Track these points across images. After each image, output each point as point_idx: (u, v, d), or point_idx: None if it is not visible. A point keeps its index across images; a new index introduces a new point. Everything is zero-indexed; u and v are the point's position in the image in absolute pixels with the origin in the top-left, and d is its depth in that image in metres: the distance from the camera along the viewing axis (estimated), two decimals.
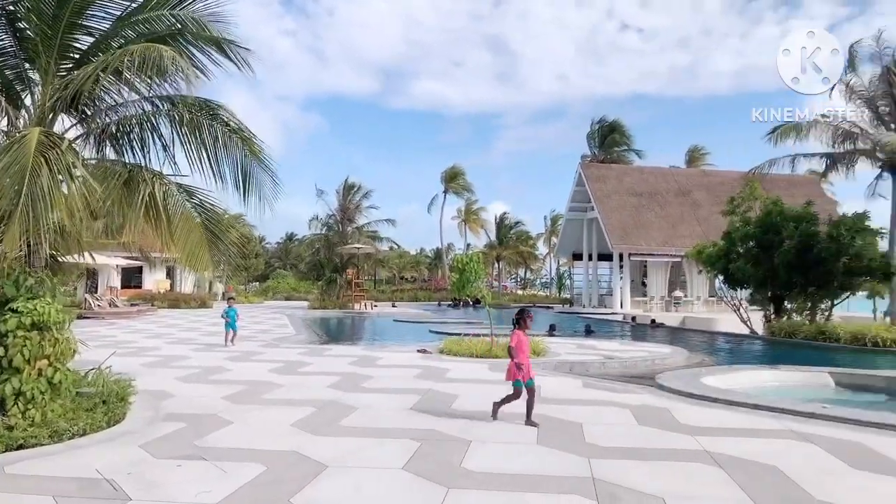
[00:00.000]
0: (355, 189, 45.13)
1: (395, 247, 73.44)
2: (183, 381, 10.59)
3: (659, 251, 39.48)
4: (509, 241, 63.53)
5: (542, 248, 76.29)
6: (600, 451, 6.38)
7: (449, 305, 47.03)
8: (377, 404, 8.72)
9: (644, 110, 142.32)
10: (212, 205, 9.26)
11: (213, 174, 8.89)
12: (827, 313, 22.94)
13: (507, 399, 7.66)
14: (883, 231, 22.25)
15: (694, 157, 58.30)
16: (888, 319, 22.46)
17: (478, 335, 15.90)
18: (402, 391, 9.75)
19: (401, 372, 11.88)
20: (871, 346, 18.87)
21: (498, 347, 14.22)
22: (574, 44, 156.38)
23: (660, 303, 39.93)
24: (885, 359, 17.19)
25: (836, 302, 23.21)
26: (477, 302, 32.80)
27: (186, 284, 45.86)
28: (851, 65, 23.60)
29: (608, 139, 53.49)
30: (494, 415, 7.70)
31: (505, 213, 65.00)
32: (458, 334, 17.48)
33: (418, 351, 15.18)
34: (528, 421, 7.43)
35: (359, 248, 41.74)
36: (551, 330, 22.04)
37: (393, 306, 44.68)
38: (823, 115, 24.24)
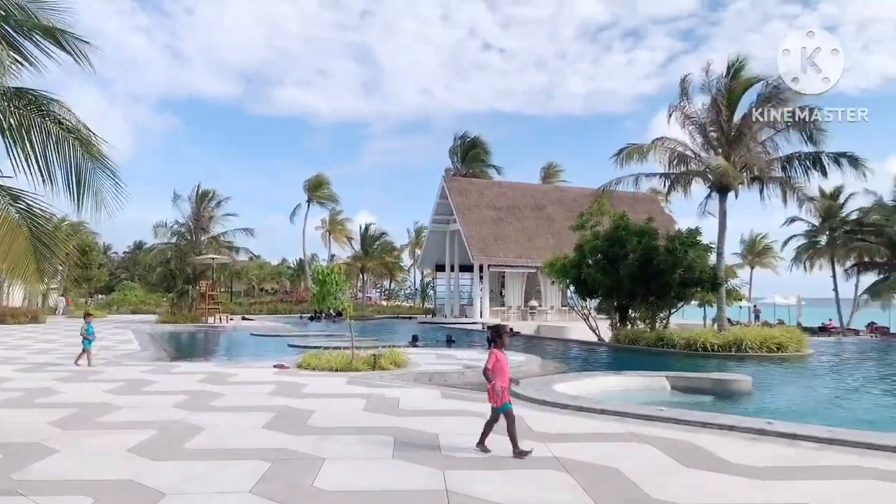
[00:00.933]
0: (210, 196, 42.97)
1: (255, 257, 70.83)
2: (0, 406, 9.47)
3: (516, 263, 41.03)
4: (374, 252, 63.47)
5: (406, 260, 76.79)
6: (456, 462, 6.42)
7: (310, 318, 45.98)
8: (226, 424, 8.26)
9: (503, 127, 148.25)
10: (42, 210, 8.43)
11: (42, 176, 8.10)
12: (665, 321, 24.87)
13: (491, 424, 6.83)
14: (712, 246, 24.50)
15: (549, 173, 61.22)
16: (716, 326, 24.66)
17: (338, 348, 15.60)
18: (254, 409, 9.31)
19: (254, 389, 11.37)
20: (702, 351, 20.70)
21: (359, 360, 14.04)
22: (438, 59, 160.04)
23: (517, 312, 41.45)
24: (712, 362, 18.87)
25: (672, 311, 25.23)
26: (339, 314, 32.31)
27: (14, 298, 41.40)
28: (685, 93, 25.84)
29: (470, 154, 55.01)
30: (483, 446, 6.81)
31: (370, 224, 64.95)
32: (318, 347, 17.07)
33: (275, 366, 14.62)
34: (518, 451, 6.58)
35: (213, 259, 39.74)
36: (414, 340, 22.14)
37: (243, 319, 42.79)
38: (659, 140, 26.32)
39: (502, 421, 6.79)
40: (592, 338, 27.06)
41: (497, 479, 5.87)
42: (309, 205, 63.80)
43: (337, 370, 13.71)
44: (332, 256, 69.79)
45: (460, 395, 10.95)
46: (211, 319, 37.39)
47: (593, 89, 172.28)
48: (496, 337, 7.20)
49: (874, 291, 40.86)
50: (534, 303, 42.61)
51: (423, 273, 65.83)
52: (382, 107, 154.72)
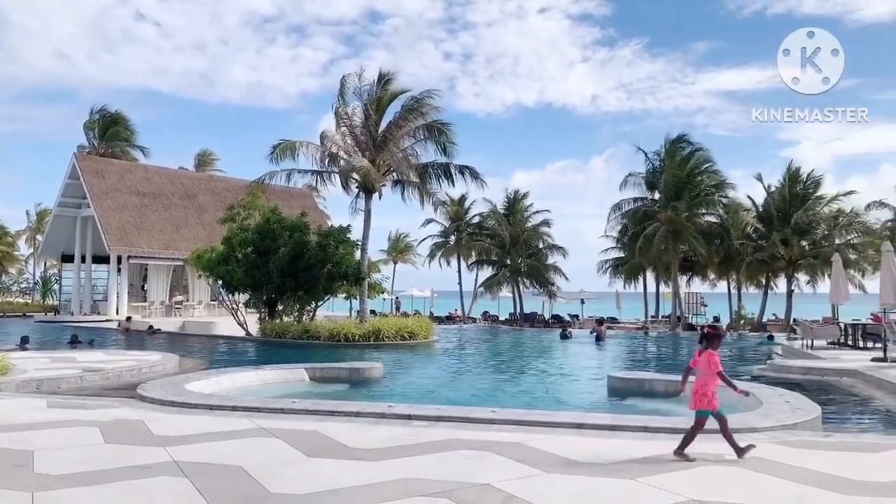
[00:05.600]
0: None
1: None
2: None
3: (161, 254, 37.97)
4: None
5: (23, 248, 65.39)
6: (51, 480, 5.59)
7: None
8: None
9: (157, 107, 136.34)
10: None
11: None
12: (311, 314, 25.55)
13: (694, 433, 6.49)
14: (359, 242, 25.96)
15: (203, 161, 58.12)
16: (359, 318, 26.18)
17: None
18: None
19: None
20: (345, 342, 21.78)
21: None
22: (79, 22, 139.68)
23: (160, 308, 38.44)
24: (354, 352, 20.02)
25: (319, 304, 26.05)
26: None
27: None
28: (342, 96, 26.89)
29: (110, 131, 49.13)
30: (684, 455, 6.41)
31: None
32: None
33: None
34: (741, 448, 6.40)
35: None
36: (23, 343, 18.94)
37: None
38: (321, 138, 27.00)
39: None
40: (241, 333, 26.48)
41: (101, 494, 5.27)
42: None
43: None
44: None
45: (72, 402, 9.65)
46: None
47: (256, 80, 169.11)
48: (713, 338, 6.72)
49: (488, 285, 47.92)
50: (180, 297, 39.99)
51: (45, 264, 56.88)
52: (4, 67, 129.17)
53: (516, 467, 6.08)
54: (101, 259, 39.42)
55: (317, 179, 27.68)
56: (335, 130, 27.44)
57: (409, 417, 8.32)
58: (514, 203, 48.30)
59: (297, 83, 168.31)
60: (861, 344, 19.12)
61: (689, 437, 6.49)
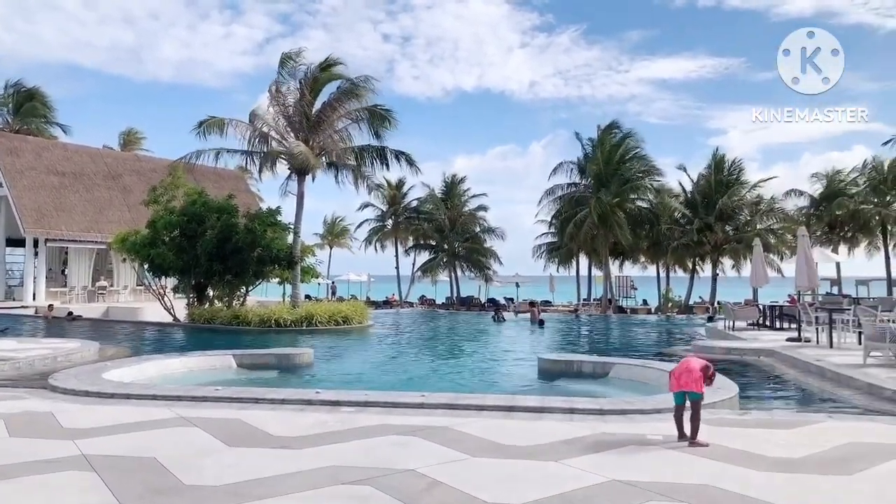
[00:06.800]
0: None
1: None
2: None
3: (83, 237, 36.21)
4: None
5: None
6: None
7: None
8: None
9: (81, 83, 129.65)
10: None
11: None
12: (242, 299, 24.92)
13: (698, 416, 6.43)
14: (291, 225, 25.39)
15: (129, 140, 55.70)
16: (292, 303, 25.68)
17: None
18: None
19: None
20: (276, 327, 21.33)
21: None
22: None
23: (82, 293, 36.73)
24: (285, 337, 19.63)
25: (250, 289, 25.42)
26: None
27: None
28: (281, 76, 26.08)
29: (25, 107, 46.45)
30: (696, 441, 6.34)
31: None
32: None
33: None
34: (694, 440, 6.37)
35: None
36: None
37: None
38: (252, 117, 26.14)
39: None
40: (168, 319, 25.59)
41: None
42: None
43: None
44: None
45: None
46: None
47: (187, 57, 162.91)
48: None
49: (425, 269, 47.93)
50: (104, 283, 38.31)
51: None
52: None
53: (443, 452, 6.04)
54: (16, 242, 37.32)
55: (246, 160, 26.82)
56: (267, 109, 26.66)
57: (337, 404, 8.17)
58: (452, 187, 48.35)
59: (231, 62, 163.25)
60: (778, 325, 20.00)
61: (696, 422, 6.36)
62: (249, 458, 5.89)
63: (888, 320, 11.79)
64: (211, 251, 22.96)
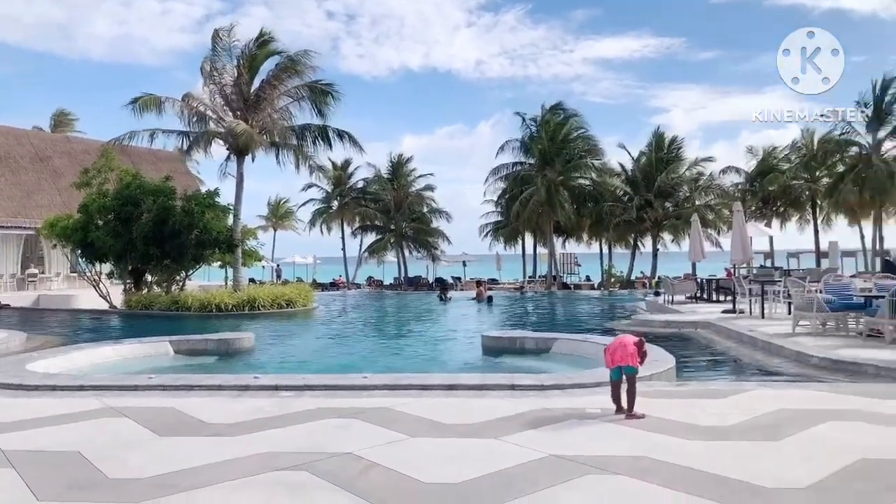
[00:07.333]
0: None
1: None
2: None
3: (9, 223, 34.52)
4: None
5: None
6: None
7: None
8: None
9: (5, 61, 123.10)
10: None
11: None
12: (181, 284, 24.23)
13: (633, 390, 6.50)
14: (230, 207, 24.72)
15: (61, 121, 53.18)
16: (233, 287, 25.12)
17: None
18: None
19: None
20: (217, 312, 20.84)
21: None
22: None
23: (11, 281, 35.11)
24: (227, 322, 19.16)
25: (189, 273, 24.73)
26: None
27: None
28: (215, 53, 25.13)
29: None
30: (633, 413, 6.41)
31: None
32: None
33: None
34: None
35: None
36: None
37: None
38: (186, 96, 25.20)
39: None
40: (104, 306, 24.70)
41: None
42: None
43: None
44: None
45: None
46: None
47: (122, 34, 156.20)
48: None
49: (372, 250, 47.62)
50: (34, 270, 36.68)
51: None
52: None
53: (382, 434, 5.96)
54: None
55: (182, 141, 25.91)
56: (203, 88, 25.79)
57: (276, 388, 7.98)
58: (399, 167, 48.01)
59: (170, 39, 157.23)
60: (715, 297, 20.63)
61: (632, 396, 6.43)
62: (180, 447, 5.68)
63: (815, 290, 12.25)
64: (147, 235, 22.22)
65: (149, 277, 24.78)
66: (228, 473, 4.87)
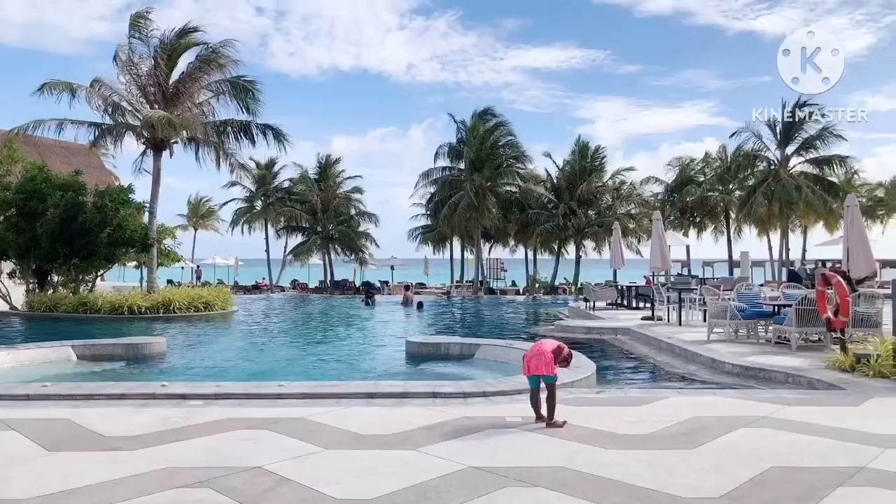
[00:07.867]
0: None
1: None
2: None
3: None
4: None
5: None
6: None
7: None
8: None
9: None
10: None
11: None
12: (91, 285, 22.95)
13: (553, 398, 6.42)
14: (145, 204, 23.60)
15: None
16: (148, 288, 23.98)
17: None
18: None
19: None
20: (129, 314, 19.81)
21: None
22: None
23: None
24: (139, 325, 18.25)
25: (99, 273, 23.45)
26: None
27: None
28: (132, 41, 23.86)
29: None
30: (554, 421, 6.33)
31: None
32: None
33: None
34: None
35: None
36: None
37: None
38: (96, 82, 23.87)
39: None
40: (3, 307, 23.08)
41: None
42: None
43: None
44: None
45: None
46: None
47: (35, 19, 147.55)
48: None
49: (297, 252, 46.60)
50: None
51: None
52: None
53: (295, 446, 5.67)
54: None
55: (95, 132, 24.53)
56: (118, 78, 24.51)
57: (184, 397, 7.54)
58: (326, 168, 47.21)
59: (87, 27, 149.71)
60: (635, 304, 21.16)
61: (551, 404, 6.35)
62: (71, 464, 5.22)
63: (728, 299, 12.69)
64: (54, 231, 20.91)
65: (55, 277, 23.34)
66: (121, 493, 4.49)
